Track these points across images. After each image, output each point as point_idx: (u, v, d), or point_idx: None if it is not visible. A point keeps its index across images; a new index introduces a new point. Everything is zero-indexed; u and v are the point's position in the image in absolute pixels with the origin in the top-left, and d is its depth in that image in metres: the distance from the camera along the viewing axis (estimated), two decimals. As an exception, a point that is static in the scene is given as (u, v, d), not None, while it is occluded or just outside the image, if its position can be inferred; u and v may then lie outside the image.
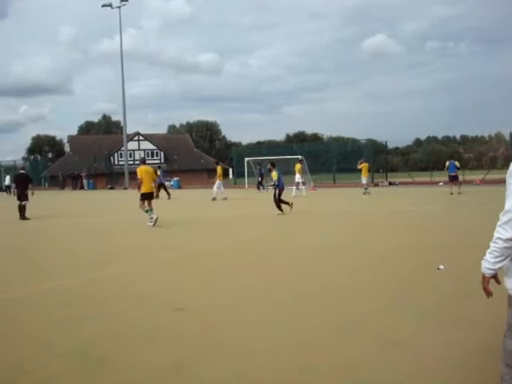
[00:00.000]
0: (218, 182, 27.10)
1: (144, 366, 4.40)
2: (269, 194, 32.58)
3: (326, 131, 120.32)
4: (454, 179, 25.23)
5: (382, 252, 9.78)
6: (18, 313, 6.32)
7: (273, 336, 5.08)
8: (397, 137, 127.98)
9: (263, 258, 9.66)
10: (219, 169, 27.53)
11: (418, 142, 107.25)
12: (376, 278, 7.51)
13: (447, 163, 25.38)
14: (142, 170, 15.44)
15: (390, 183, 37.30)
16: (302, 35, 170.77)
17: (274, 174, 18.01)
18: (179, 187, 45.87)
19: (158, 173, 31.45)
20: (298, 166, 28.19)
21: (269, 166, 19.25)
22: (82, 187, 50.37)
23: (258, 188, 36.67)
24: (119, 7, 49.65)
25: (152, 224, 14.96)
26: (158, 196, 29.68)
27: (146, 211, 15.31)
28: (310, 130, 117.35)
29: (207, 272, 8.39)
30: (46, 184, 62.72)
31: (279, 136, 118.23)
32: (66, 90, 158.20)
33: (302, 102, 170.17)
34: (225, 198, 26.43)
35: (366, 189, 27.67)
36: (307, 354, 4.57)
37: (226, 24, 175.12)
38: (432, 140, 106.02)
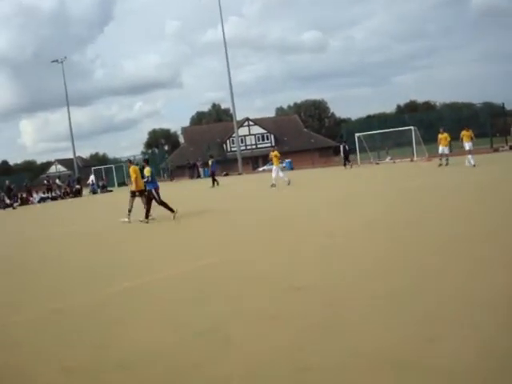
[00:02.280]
0: (275, 167, 25.82)
1: (267, 345, 4.59)
2: (354, 170, 32.58)
3: (439, 98, 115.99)
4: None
5: None
6: (151, 296, 6.79)
7: (390, 312, 5.09)
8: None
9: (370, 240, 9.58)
10: (274, 154, 25.96)
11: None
12: None
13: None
14: (135, 170, 16.52)
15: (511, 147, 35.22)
16: (404, 1, 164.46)
17: (148, 170, 15.65)
18: (292, 168, 46.12)
19: (209, 163, 34.94)
20: (466, 133, 25.40)
21: (142, 163, 17.18)
22: (198, 176, 52.01)
23: (345, 165, 37.02)
24: (219, -4, 50.45)
25: (127, 220, 16.23)
26: (216, 184, 32.16)
27: (129, 210, 16.30)
28: (421, 98, 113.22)
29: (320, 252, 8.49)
30: (165, 175, 65.38)
31: (390, 108, 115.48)
32: (176, 84, 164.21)
33: (411, 70, 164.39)
34: (288, 183, 24.66)
35: (441, 159, 26.16)
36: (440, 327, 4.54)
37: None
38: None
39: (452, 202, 12.89)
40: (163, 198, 15.54)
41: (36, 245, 14.08)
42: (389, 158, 39.60)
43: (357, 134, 40.37)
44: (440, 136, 26.47)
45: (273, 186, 24.72)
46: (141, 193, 16.41)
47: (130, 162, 18.54)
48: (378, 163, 38.39)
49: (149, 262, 9.46)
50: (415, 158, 35.58)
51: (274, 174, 25.44)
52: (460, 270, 6.25)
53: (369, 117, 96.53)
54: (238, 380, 3.99)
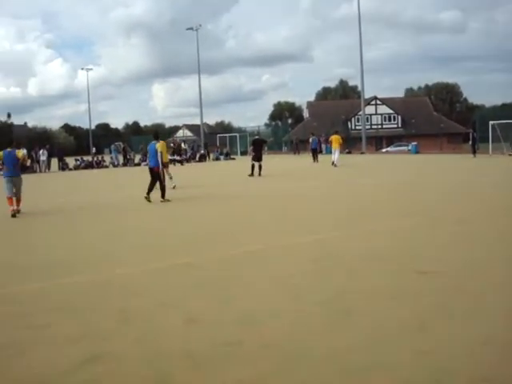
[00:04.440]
0: (334, 149, 28.92)
1: (388, 323, 4.56)
2: (479, 160, 30.75)
3: None
4: None
5: None
6: (274, 261, 6.96)
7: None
8: None
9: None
10: (335, 138, 29.32)
11: None
12: None
13: None
14: (162, 145, 15.22)
15: None
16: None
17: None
18: (417, 152, 44.69)
19: (310, 140, 38.08)
20: None
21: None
22: (321, 151, 51.82)
23: (474, 153, 35.38)
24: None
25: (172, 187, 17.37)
26: (316, 160, 33.95)
27: (170, 178, 17.45)
28: None
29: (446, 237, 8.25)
30: (286, 148, 65.79)
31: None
32: (305, 58, 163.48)
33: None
34: (334, 165, 27.40)
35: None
36: None
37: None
38: None
39: None
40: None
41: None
42: (524, 150, 37.21)
43: (491, 122, 38.20)
44: None
45: (334, 165, 27.52)
46: (167, 164, 16.92)
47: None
48: (510, 154, 36.22)
49: (272, 228, 9.72)
50: None
51: (335, 156, 28.21)
52: None
53: (504, 105, 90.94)
54: (357, 351, 4.00)
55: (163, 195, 14.70)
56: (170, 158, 44.31)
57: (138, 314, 5.14)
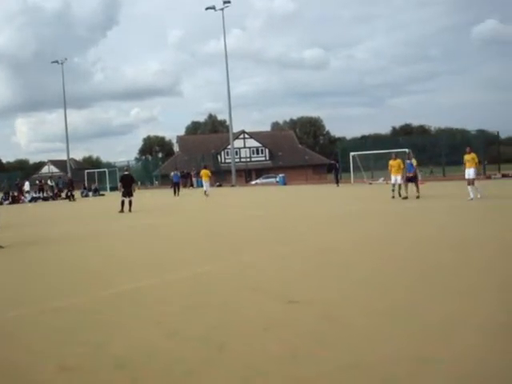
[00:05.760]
0: (205, 181, 34.38)
1: (261, 354, 4.68)
2: (341, 189, 32.96)
3: (434, 123, 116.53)
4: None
5: None
6: (146, 300, 6.85)
7: (389, 328, 5.19)
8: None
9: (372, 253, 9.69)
10: (204, 172, 35.01)
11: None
12: None
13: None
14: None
15: (504, 175, 35.55)
16: (408, 25, 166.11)
17: None
18: (285, 183, 46.28)
19: (172, 174, 40.18)
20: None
21: None
22: (191, 185, 52.03)
23: (337, 183, 38.18)
24: (222, 9, 50.85)
25: None
26: (177, 194, 36.34)
27: None
28: (416, 122, 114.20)
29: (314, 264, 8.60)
30: (157, 183, 65.35)
31: (385, 129, 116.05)
32: (174, 92, 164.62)
33: (409, 93, 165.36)
34: (207, 195, 32.23)
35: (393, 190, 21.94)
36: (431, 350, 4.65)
37: (329, 18, 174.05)
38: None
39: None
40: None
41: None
42: (382, 178, 39.87)
43: (352, 153, 40.66)
44: (391, 163, 22.30)
45: (206, 195, 31.99)
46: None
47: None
48: (371, 183, 38.65)
49: (145, 266, 9.55)
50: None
51: (205, 187, 33.62)
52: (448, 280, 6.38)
53: (363, 137, 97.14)
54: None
55: None
56: (34, 195, 42.89)
57: (5, 364, 4.85)
